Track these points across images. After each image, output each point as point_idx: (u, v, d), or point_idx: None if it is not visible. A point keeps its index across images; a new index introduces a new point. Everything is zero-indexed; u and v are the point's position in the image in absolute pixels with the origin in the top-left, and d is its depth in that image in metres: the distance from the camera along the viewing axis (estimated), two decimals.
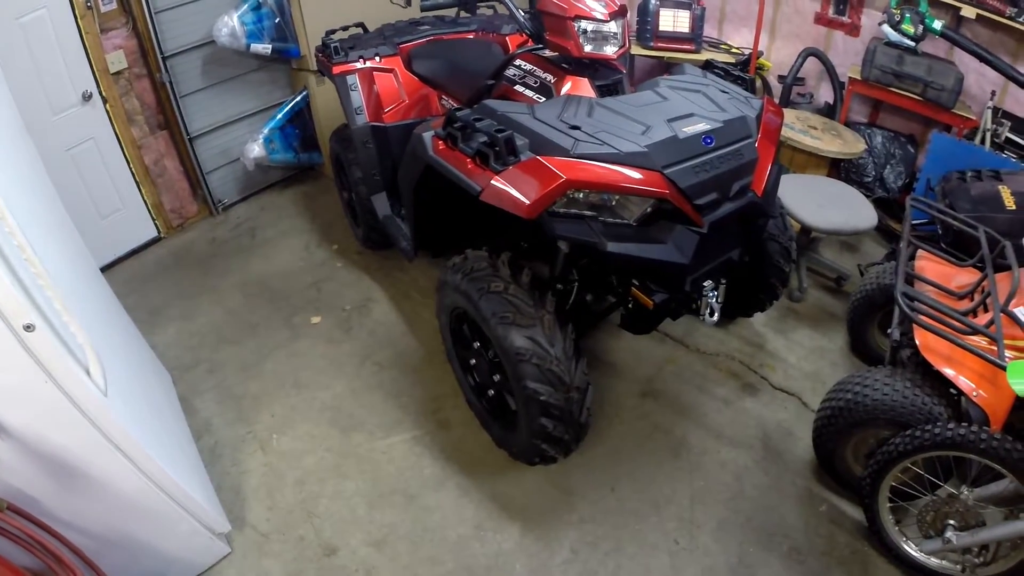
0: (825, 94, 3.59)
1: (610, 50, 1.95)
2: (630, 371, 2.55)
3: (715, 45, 3.78)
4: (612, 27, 1.92)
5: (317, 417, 2.37)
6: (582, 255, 1.93)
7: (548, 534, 1.98)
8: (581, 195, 1.61)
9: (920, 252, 2.22)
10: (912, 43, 3.01)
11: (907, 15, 3.00)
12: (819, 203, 2.77)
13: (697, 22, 3.59)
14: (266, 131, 3.31)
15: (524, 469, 2.14)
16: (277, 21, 3.05)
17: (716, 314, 1.99)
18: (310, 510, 2.06)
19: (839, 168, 3.43)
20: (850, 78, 3.29)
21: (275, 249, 3.30)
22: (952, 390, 1.77)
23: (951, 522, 1.70)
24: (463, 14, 2.93)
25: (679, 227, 1.69)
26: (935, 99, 3.01)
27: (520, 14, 2.08)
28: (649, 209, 1.67)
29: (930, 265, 2.16)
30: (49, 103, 2.68)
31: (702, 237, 1.71)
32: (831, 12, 3.43)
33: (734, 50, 3.71)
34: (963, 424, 1.62)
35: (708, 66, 2.25)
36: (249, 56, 3.17)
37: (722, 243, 1.93)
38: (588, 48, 1.92)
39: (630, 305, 1.96)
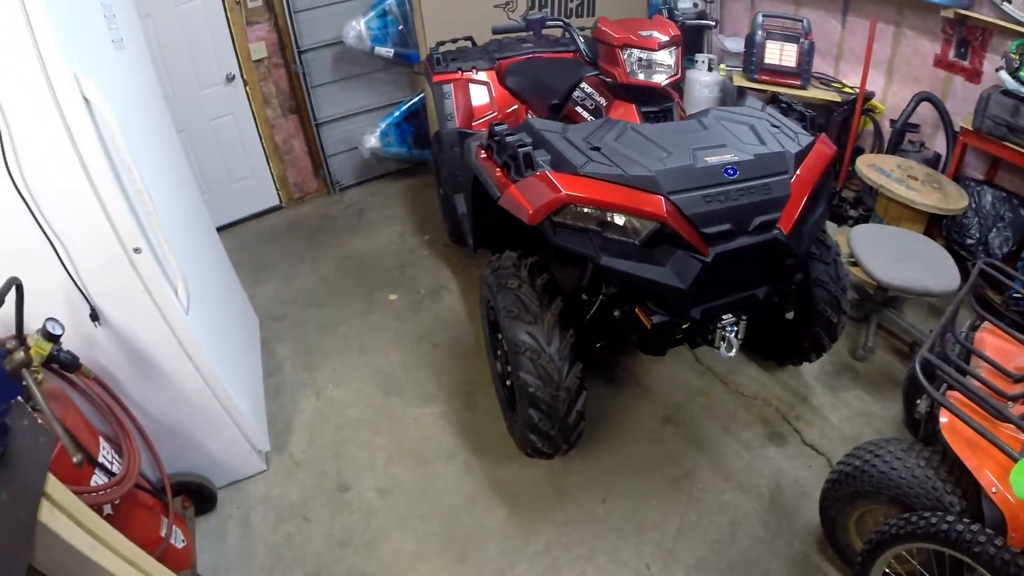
0: (939, 144, 3.40)
1: (659, 78, 2.12)
2: (660, 395, 2.64)
3: (827, 82, 3.71)
4: (661, 56, 2.09)
5: (368, 378, 2.76)
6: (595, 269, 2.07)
7: (529, 524, 2.15)
8: (588, 210, 1.77)
9: (985, 324, 2.04)
10: None
11: None
12: (896, 257, 2.65)
13: (804, 57, 3.56)
14: (383, 125, 3.84)
15: (528, 462, 2.33)
16: (400, 28, 3.56)
17: (734, 349, 2.04)
18: (339, 451, 2.43)
19: (940, 225, 3.24)
20: (961, 128, 3.08)
21: (375, 231, 3.80)
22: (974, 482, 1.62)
23: None
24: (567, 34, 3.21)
25: (680, 252, 1.78)
26: None
27: (580, 40, 2.32)
28: (652, 231, 1.77)
29: (992, 340, 1.99)
30: (197, 80, 3.40)
31: (709, 266, 1.77)
32: (952, 55, 3.24)
33: (846, 89, 3.61)
34: (965, 521, 1.46)
35: (774, 101, 2.31)
36: (374, 57, 3.70)
37: (742, 278, 1.99)
38: (638, 76, 2.11)
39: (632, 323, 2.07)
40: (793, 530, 2.13)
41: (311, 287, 3.35)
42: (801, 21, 3.58)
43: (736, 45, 3.91)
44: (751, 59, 3.66)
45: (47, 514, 1.14)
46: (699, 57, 3.81)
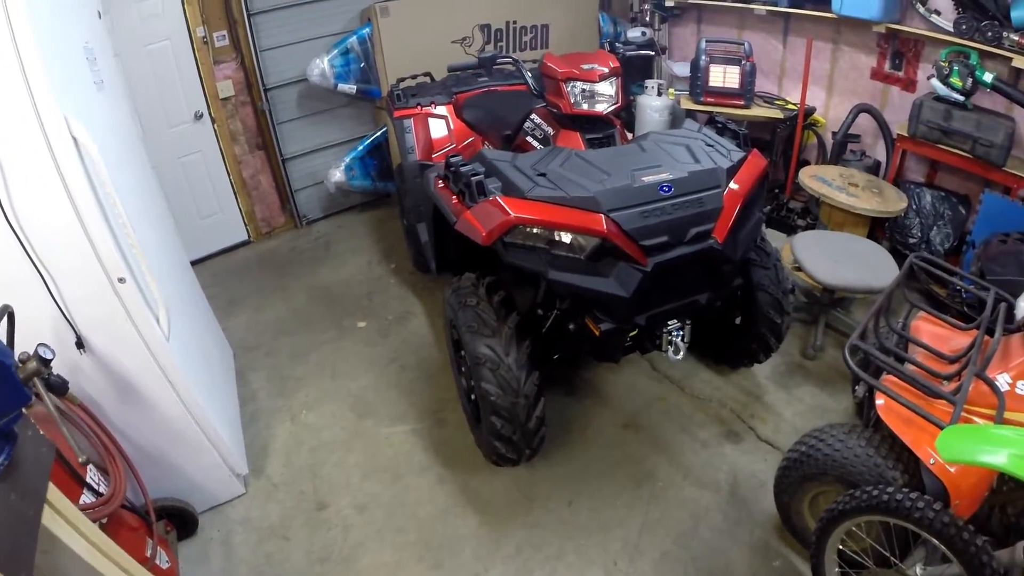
0: (880, 152, 3.72)
1: (601, 107, 2.41)
2: (619, 403, 2.87)
3: (770, 101, 4.07)
4: (602, 87, 2.38)
5: (341, 402, 2.94)
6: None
7: (501, 529, 2.33)
8: (534, 230, 2.00)
9: (920, 313, 2.24)
10: (961, 97, 3.06)
11: (956, 68, 3.06)
12: (836, 259, 2.89)
13: (747, 78, 3.91)
14: (348, 160, 4.09)
15: (496, 471, 2.53)
16: (363, 65, 3.85)
17: (681, 352, 2.32)
18: (315, 472, 2.60)
19: (884, 228, 3.53)
20: (898, 134, 3.38)
21: (342, 262, 4.02)
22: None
23: None
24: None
25: (621, 264, 2.00)
26: (984, 156, 3.03)
27: (528, 74, 2.61)
28: (595, 246, 1.98)
29: (927, 327, 2.18)
30: (166, 118, 3.64)
31: (649, 277, 1.99)
32: (887, 67, 3.58)
33: (789, 106, 3.95)
34: (905, 491, 1.59)
35: (711, 122, 2.58)
36: (338, 94, 3.97)
37: (683, 285, 2.21)
38: (582, 106, 2.40)
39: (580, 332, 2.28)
40: (752, 519, 2.33)
41: (282, 317, 3.54)
42: (743, 44, 3.95)
43: (684, 70, 4.27)
44: (696, 83, 4.02)
45: (48, 519, 1.28)
46: (648, 83, 4.15)
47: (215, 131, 3.81)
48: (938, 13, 3.19)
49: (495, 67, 2.85)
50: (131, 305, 1.92)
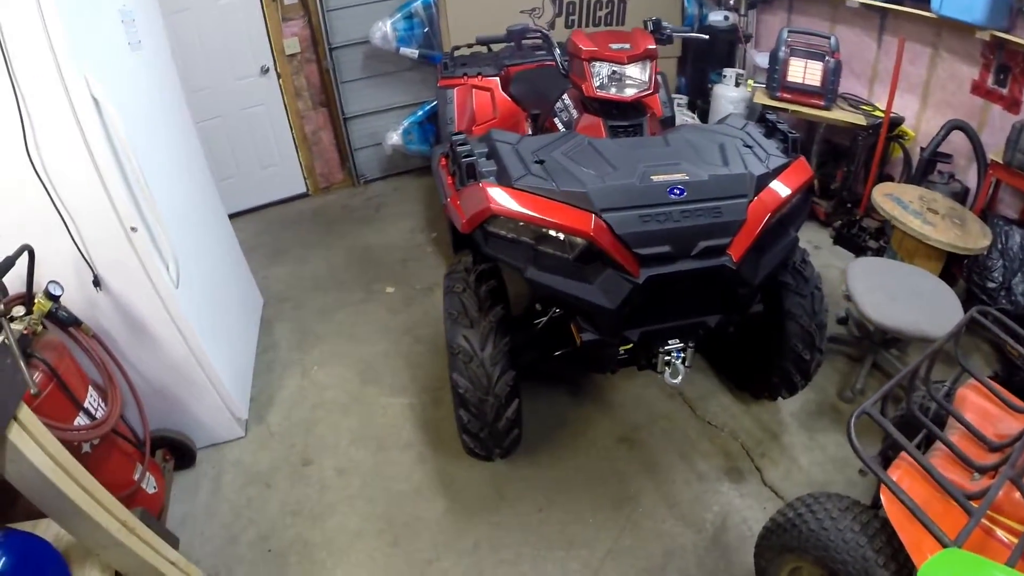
0: (972, 177, 3.38)
1: (629, 92, 2.28)
2: (622, 413, 2.81)
3: (855, 105, 3.76)
4: (631, 70, 2.25)
5: (351, 365, 3.11)
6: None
7: (464, 521, 2.39)
8: (523, 222, 1.88)
9: (970, 380, 1.89)
10: None
11: None
12: (893, 295, 2.65)
13: (830, 76, 3.63)
14: (406, 123, 4.22)
15: (477, 462, 2.56)
16: (426, 30, 3.91)
17: (679, 376, 2.13)
18: (310, 429, 2.79)
19: (961, 265, 3.22)
20: (992, 160, 3.06)
21: (388, 225, 4.19)
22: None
23: None
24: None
25: (609, 272, 1.85)
26: None
27: (558, 53, 2.52)
28: (582, 248, 1.84)
29: (975, 399, 1.83)
30: (233, 71, 3.90)
31: (641, 288, 1.83)
32: (990, 81, 3.21)
33: (876, 112, 3.64)
34: None
35: (761, 119, 2.34)
36: (401, 57, 4.06)
37: (688, 304, 2.04)
38: (607, 90, 2.27)
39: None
40: (729, 572, 2.18)
41: (319, 273, 3.76)
42: (829, 39, 3.65)
43: (767, 61, 4.02)
44: (774, 76, 3.76)
45: (15, 434, 1.49)
46: (727, 72, 3.96)
47: (280, 86, 4.05)
48: None
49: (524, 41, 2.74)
50: (143, 253, 2.13)
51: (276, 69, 3.99)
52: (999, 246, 3.08)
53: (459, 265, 2.34)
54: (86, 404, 2.01)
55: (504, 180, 1.91)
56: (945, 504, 1.44)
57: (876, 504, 1.71)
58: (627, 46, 2.26)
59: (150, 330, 2.30)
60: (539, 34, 2.68)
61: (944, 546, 1.31)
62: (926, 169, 3.46)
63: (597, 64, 2.27)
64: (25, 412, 1.56)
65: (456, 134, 2.20)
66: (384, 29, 3.84)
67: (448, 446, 2.67)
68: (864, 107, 3.74)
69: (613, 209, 1.81)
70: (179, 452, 2.59)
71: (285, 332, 3.34)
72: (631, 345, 2.12)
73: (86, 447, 1.99)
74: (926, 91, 3.58)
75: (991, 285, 3.10)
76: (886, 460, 1.85)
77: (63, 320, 2.03)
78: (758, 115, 2.40)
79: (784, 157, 2.09)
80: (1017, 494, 1.41)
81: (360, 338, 3.28)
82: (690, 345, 2.15)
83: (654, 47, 2.29)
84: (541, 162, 1.96)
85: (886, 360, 2.93)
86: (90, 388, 2.07)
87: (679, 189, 1.85)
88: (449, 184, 2.19)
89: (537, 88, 3.09)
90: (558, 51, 2.56)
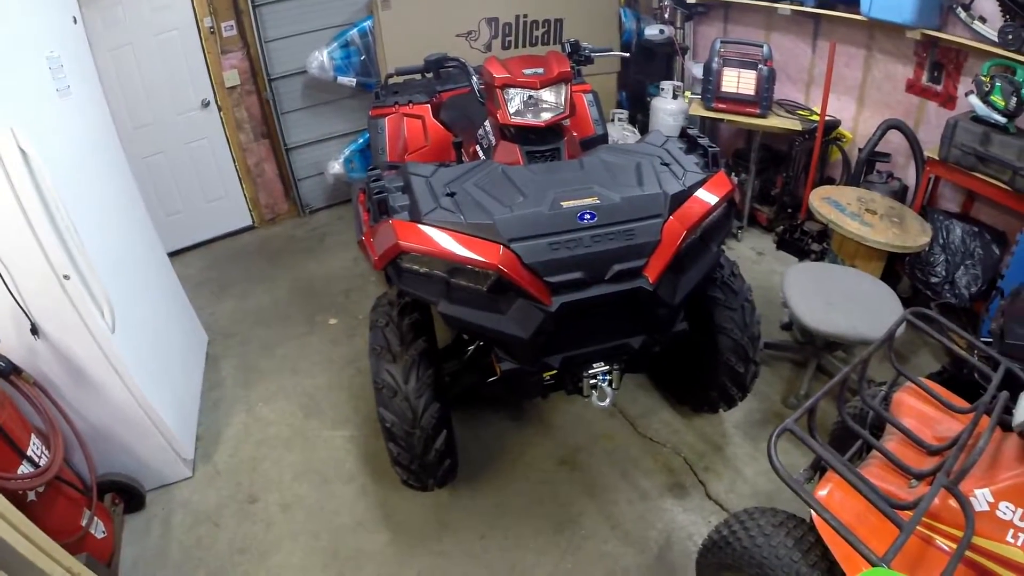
0: (911, 175, 3.57)
1: (544, 117, 2.35)
2: (563, 435, 2.96)
3: (792, 110, 3.97)
4: (545, 95, 2.34)
5: (294, 399, 3.30)
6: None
7: (406, 552, 2.53)
8: (431, 258, 1.96)
9: (907, 383, 1.93)
10: (1003, 119, 2.87)
11: (999, 84, 2.84)
12: (830, 300, 2.77)
13: (764, 84, 3.81)
14: (347, 152, 4.46)
15: (419, 492, 2.64)
16: (363, 58, 4.16)
17: (607, 399, 2.23)
18: (255, 466, 2.96)
19: (904, 263, 3.37)
20: (928, 157, 3.23)
21: (331, 255, 4.41)
22: None
23: None
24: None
25: (520, 301, 1.94)
26: None
27: (475, 80, 2.63)
28: (494, 280, 1.93)
29: (911, 402, 1.88)
30: (175, 105, 4.11)
31: (553, 316, 1.92)
32: (924, 79, 3.39)
33: (813, 117, 3.82)
34: None
35: (682, 135, 2.45)
36: (340, 86, 4.30)
37: (608, 327, 2.13)
38: (522, 116, 2.35)
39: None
40: None
41: (263, 307, 3.96)
42: (761, 47, 3.85)
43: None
44: (708, 87, 3.95)
45: None
46: (664, 85, 4.20)
47: (221, 119, 4.27)
48: (983, 20, 2.99)
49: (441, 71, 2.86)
50: (77, 300, 2.29)
51: (217, 102, 4.21)
52: (940, 241, 3.24)
53: (383, 299, 2.44)
54: (29, 452, 2.15)
55: (415, 215, 1.99)
56: (879, 517, 1.44)
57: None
58: (540, 70, 2.33)
59: (90, 375, 2.46)
60: (456, 63, 2.81)
61: (872, 564, 1.32)
62: (865, 169, 3.64)
63: (511, 91, 2.33)
64: None
65: (371, 169, 2.32)
66: (321, 58, 4.07)
67: (390, 477, 2.75)
68: (801, 112, 3.96)
69: (521, 239, 1.90)
70: (128, 495, 2.72)
71: (231, 369, 3.52)
72: (554, 371, 2.20)
73: (31, 495, 2.13)
74: (862, 92, 3.80)
75: (934, 280, 3.25)
76: (823, 470, 1.88)
77: (2, 370, 2.18)
78: (680, 131, 2.52)
79: (702, 173, 2.20)
80: (953, 501, 1.42)
81: (303, 371, 3.47)
82: (616, 368, 2.25)
83: (567, 70, 2.36)
84: (452, 194, 2.04)
85: (831, 364, 3.07)
86: (32, 435, 2.21)
87: (590, 214, 1.94)
88: (365, 220, 2.30)
89: (466, 113, 3.18)
90: (475, 79, 2.66)
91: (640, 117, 4.80)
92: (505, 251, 1.88)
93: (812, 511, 1.52)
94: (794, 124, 3.87)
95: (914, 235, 3.18)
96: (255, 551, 2.61)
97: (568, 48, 2.86)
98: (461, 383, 2.56)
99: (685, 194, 2.09)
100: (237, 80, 4.22)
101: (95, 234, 2.45)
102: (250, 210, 4.64)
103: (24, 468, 2.12)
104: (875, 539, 1.40)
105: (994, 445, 1.56)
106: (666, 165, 2.19)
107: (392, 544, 2.59)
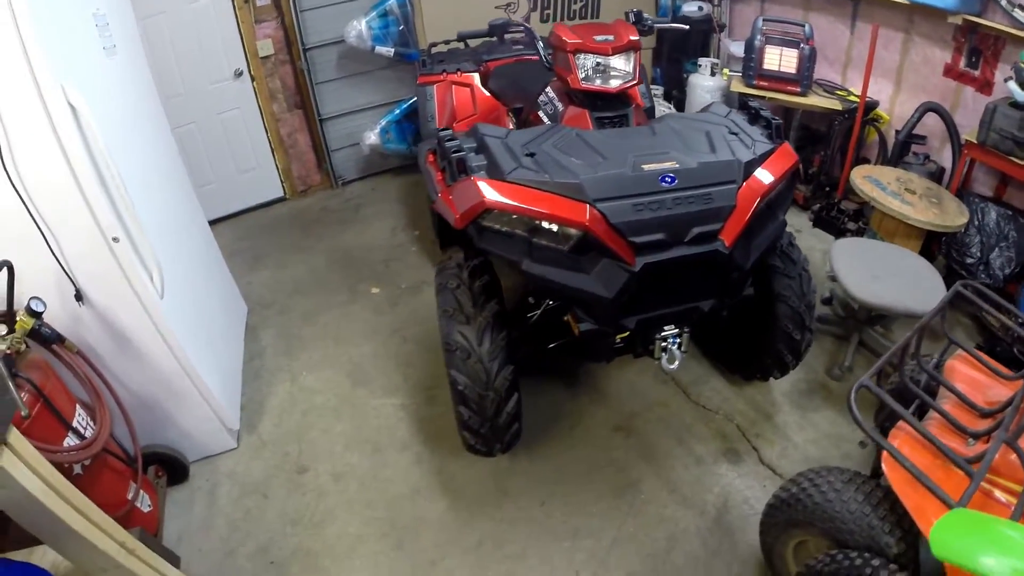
0: (947, 158, 3.47)
1: (614, 83, 2.30)
2: (617, 403, 2.83)
3: (831, 90, 3.84)
4: (616, 61, 2.27)
5: (340, 367, 3.08)
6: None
7: (467, 519, 2.38)
8: (516, 216, 1.89)
9: (958, 352, 1.96)
10: None
11: None
12: (876, 273, 2.71)
13: (805, 63, 3.69)
14: (384, 123, 4.18)
15: (475, 459, 2.56)
16: (401, 28, 3.89)
17: (676, 362, 2.18)
18: (302, 435, 2.75)
19: (939, 243, 3.30)
20: (966, 141, 3.14)
21: (368, 226, 4.15)
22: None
23: None
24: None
25: (605, 261, 1.88)
26: None
27: (540, 45, 2.53)
28: (578, 238, 1.87)
29: (963, 370, 1.90)
30: (207, 74, 3.82)
31: (637, 276, 1.86)
32: (962, 64, 3.30)
33: (851, 97, 3.71)
34: (892, 567, 1.46)
35: (743, 107, 2.39)
36: (377, 56, 4.02)
37: (683, 290, 2.07)
38: (591, 81, 2.29)
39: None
40: (734, 551, 2.23)
41: (301, 277, 3.71)
42: (803, 26, 3.71)
43: (741, 50, 4.06)
44: (750, 64, 3.81)
45: (7, 460, 1.44)
46: (702, 61, 3.99)
47: (254, 89, 3.98)
48: (1022, 7, 2.86)
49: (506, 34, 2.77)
50: (125, 263, 2.07)
51: (250, 72, 3.92)
52: (976, 223, 3.16)
53: (450, 262, 2.33)
54: (75, 423, 1.96)
55: (495, 174, 1.91)
56: (944, 471, 1.48)
57: (876, 474, 1.82)
58: (611, 38, 2.27)
59: (136, 343, 2.24)
60: (521, 28, 2.70)
61: (949, 507, 1.35)
62: (902, 151, 3.53)
63: (582, 56, 2.27)
64: (15, 436, 1.51)
65: (442, 130, 2.20)
66: (359, 28, 3.80)
67: (445, 444, 2.66)
68: (839, 92, 3.82)
69: (607, 199, 1.83)
70: (171, 467, 2.53)
71: (271, 338, 3.29)
72: (627, 333, 2.14)
73: (77, 468, 1.94)
74: (899, 75, 3.65)
75: (970, 261, 3.18)
76: (882, 433, 1.84)
77: (46, 337, 1.97)
78: (739, 103, 2.46)
79: (769, 143, 2.13)
80: (1013, 456, 1.45)
81: (347, 340, 3.25)
82: (685, 330, 2.19)
83: (637, 38, 2.31)
84: (532, 155, 1.97)
85: (871, 338, 3.00)
86: (77, 407, 2.02)
87: (670, 177, 1.87)
88: (439, 180, 2.17)
89: (517, 83, 3.08)
90: (541, 44, 2.56)
91: (675, 93, 4.56)
92: (591, 210, 1.82)
93: (883, 467, 1.55)
94: (834, 103, 3.77)
95: (952, 215, 3.10)
96: (308, 522, 2.42)
97: (632, 18, 2.71)
98: (531, 346, 2.41)
99: (756, 163, 2.03)
100: (271, 50, 3.93)
101: (141, 197, 2.20)
102: (282, 181, 4.36)
103: (70, 440, 1.92)
104: (932, 503, 1.43)
105: None
106: (734, 135, 2.12)
107: (451, 511, 2.43)
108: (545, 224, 1.89)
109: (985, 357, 1.92)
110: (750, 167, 2.00)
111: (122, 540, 1.75)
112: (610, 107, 2.36)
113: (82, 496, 1.69)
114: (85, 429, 2.00)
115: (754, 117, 2.30)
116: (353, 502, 2.47)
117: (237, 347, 3.13)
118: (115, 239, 2.02)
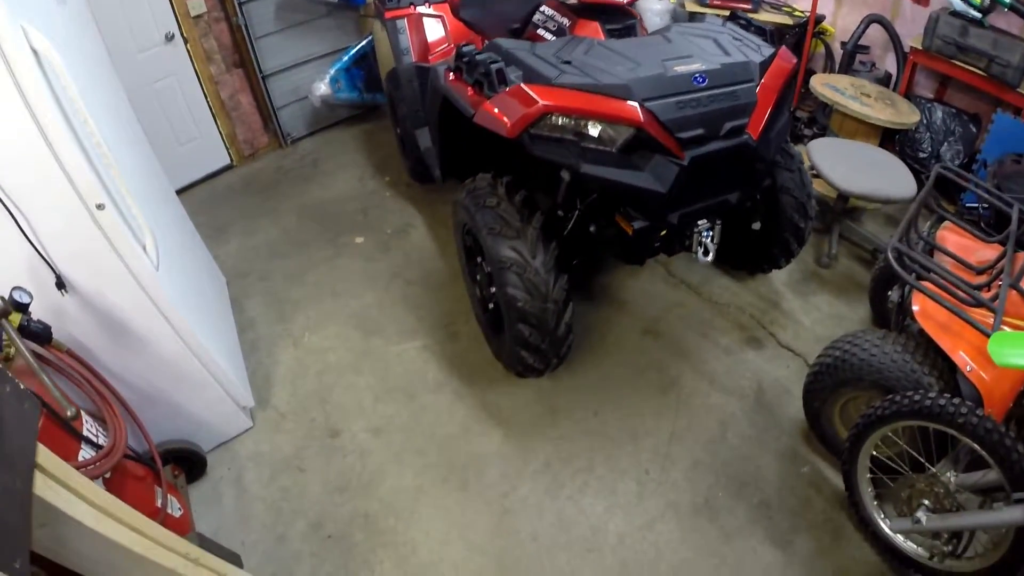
0: (890, 64, 3.54)
1: None
2: (638, 309, 2.73)
3: (777, 7, 3.79)
4: None
5: (345, 321, 2.74)
6: (580, 184, 2.09)
7: (526, 444, 2.21)
8: (563, 121, 1.79)
9: (945, 223, 2.16)
10: (978, 14, 2.86)
11: None
12: (854, 167, 2.76)
13: None
14: (332, 71, 3.68)
15: (517, 383, 2.38)
16: None
17: (711, 254, 2.16)
18: (324, 398, 2.42)
19: (893, 140, 3.36)
20: (912, 48, 3.20)
21: (332, 179, 3.70)
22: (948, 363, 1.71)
23: (925, 502, 1.64)
24: None
25: (658, 157, 1.84)
26: (999, 76, 2.85)
27: None
28: (628, 137, 1.81)
29: (953, 237, 2.12)
30: (136, 42, 3.17)
31: (686, 171, 1.83)
32: None
33: (797, 13, 3.69)
34: (947, 396, 1.55)
35: (733, 18, 2.36)
36: (318, 3, 3.52)
37: (715, 183, 2.07)
38: None
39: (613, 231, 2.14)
40: (779, 426, 2.25)
41: (273, 240, 3.26)
42: None
43: None
44: None
45: (42, 486, 1.03)
46: None
47: (188, 52, 3.35)
48: None
49: None
50: (113, 234, 1.65)
51: (182, 34, 3.28)
52: (924, 121, 3.27)
53: (479, 182, 2.17)
54: (85, 432, 1.56)
55: (539, 81, 1.81)
56: (962, 322, 1.64)
57: (897, 331, 1.98)
58: None
59: (133, 328, 1.82)
60: None
61: (987, 336, 1.52)
62: (849, 61, 3.55)
63: None
64: (45, 454, 1.09)
65: (465, 46, 2.04)
66: None
67: (481, 376, 2.44)
68: (785, 8, 3.81)
69: (653, 98, 1.78)
70: (187, 463, 2.13)
71: (258, 307, 2.87)
72: (665, 231, 2.13)
73: (99, 483, 1.53)
74: None
75: (922, 155, 3.31)
76: (883, 317, 2.31)
77: (37, 334, 1.54)
78: (729, 15, 2.43)
79: (771, 47, 2.15)
80: (1015, 294, 1.68)
81: (344, 293, 2.89)
82: (717, 223, 2.18)
83: None
84: (567, 62, 1.89)
85: (848, 228, 3.08)
86: (82, 415, 1.59)
87: (701, 76, 1.85)
88: (472, 96, 1.96)
89: (493, 8, 2.80)
90: None
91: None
92: (642, 109, 1.77)
93: (916, 315, 1.76)
94: (784, 19, 3.74)
95: (907, 114, 3.17)
96: (357, 485, 2.14)
97: None
98: (581, 253, 2.30)
99: (766, 63, 2.05)
100: (203, 7, 3.31)
101: (118, 157, 1.75)
102: (227, 148, 3.77)
103: (85, 452, 1.53)
104: (963, 336, 1.67)
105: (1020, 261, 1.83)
106: (738, 40, 2.13)
107: (508, 440, 2.24)
108: (591, 128, 1.80)
109: (968, 226, 2.12)
110: (762, 68, 2.01)
111: (185, 551, 1.37)
112: (617, 19, 2.30)
113: (132, 511, 1.31)
114: (96, 437, 1.60)
115: (746, 27, 2.33)
116: (401, 453, 2.21)
117: (228, 321, 2.70)
118: (99, 206, 1.59)
